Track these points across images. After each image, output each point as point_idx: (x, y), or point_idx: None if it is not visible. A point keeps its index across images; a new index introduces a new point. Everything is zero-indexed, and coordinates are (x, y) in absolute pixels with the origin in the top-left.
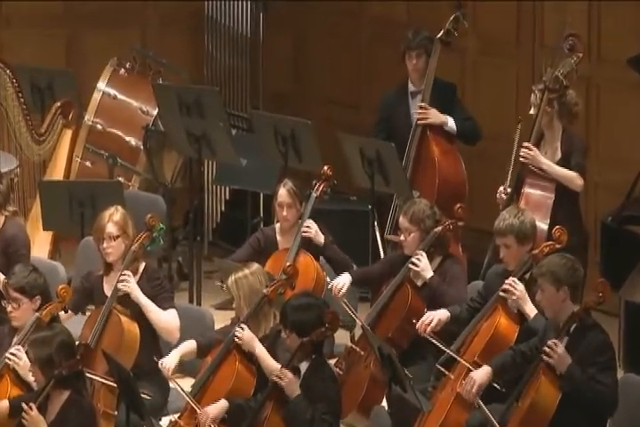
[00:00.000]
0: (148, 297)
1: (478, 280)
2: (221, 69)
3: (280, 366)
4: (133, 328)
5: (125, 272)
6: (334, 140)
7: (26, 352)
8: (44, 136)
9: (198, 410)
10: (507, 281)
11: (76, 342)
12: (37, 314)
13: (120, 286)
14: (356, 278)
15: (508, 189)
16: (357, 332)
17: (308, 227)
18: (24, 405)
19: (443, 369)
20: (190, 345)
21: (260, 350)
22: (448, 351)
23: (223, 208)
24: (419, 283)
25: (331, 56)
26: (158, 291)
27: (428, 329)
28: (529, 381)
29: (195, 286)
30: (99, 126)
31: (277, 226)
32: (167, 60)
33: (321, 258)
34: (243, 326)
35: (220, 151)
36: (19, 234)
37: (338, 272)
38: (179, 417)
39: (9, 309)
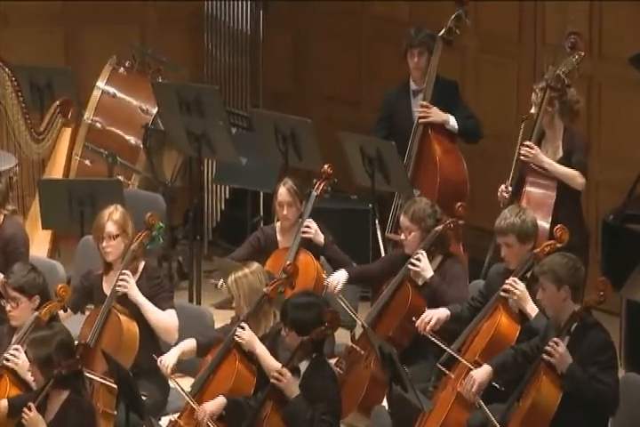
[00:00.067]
0: (148, 296)
1: (479, 279)
2: (221, 68)
3: (280, 365)
4: (133, 327)
5: (124, 272)
6: (334, 139)
7: (25, 352)
8: (44, 135)
9: (197, 408)
10: (507, 281)
11: (76, 342)
12: (36, 313)
13: (118, 287)
14: (356, 276)
15: (510, 188)
16: (358, 331)
17: (307, 227)
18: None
19: (443, 369)
20: (190, 344)
21: (261, 350)
22: (448, 350)
23: (223, 207)
24: (419, 282)
25: (331, 54)
26: (157, 291)
27: (428, 328)
28: (530, 380)
29: (195, 286)
30: (98, 125)
31: (277, 225)
32: (167, 59)
33: (321, 257)
34: (243, 325)
35: (219, 150)
36: (18, 233)
37: None
38: (178, 417)
39: (8, 308)
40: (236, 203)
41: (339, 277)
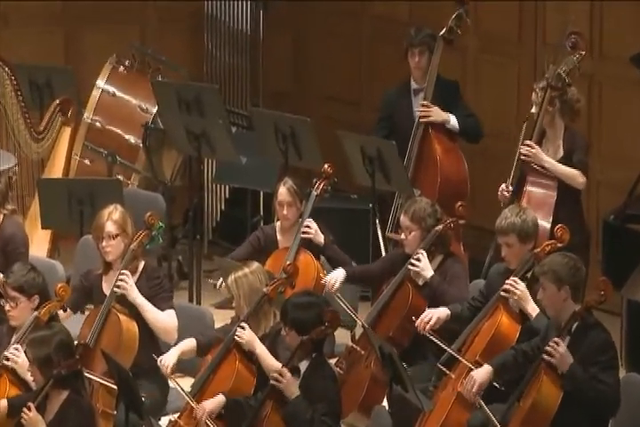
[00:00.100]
0: (147, 297)
1: (480, 279)
2: (221, 67)
3: (281, 365)
4: (132, 327)
5: (123, 272)
6: (335, 139)
7: (24, 352)
8: (43, 134)
9: (195, 406)
10: (508, 280)
11: (75, 342)
12: (36, 313)
13: (117, 287)
14: (356, 276)
15: (511, 188)
16: (358, 331)
17: (307, 227)
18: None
19: (444, 369)
20: (190, 343)
21: (261, 350)
22: (448, 350)
23: (223, 207)
24: (420, 282)
25: (331, 54)
26: (157, 291)
27: (427, 327)
28: (530, 380)
29: (194, 285)
30: (98, 124)
31: (277, 224)
32: (166, 58)
33: (322, 257)
34: (243, 325)
35: (219, 149)
36: (17, 232)
37: None
38: (178, 417)
39: (7, 308)
40: (235, 202)
41: (336, 276)
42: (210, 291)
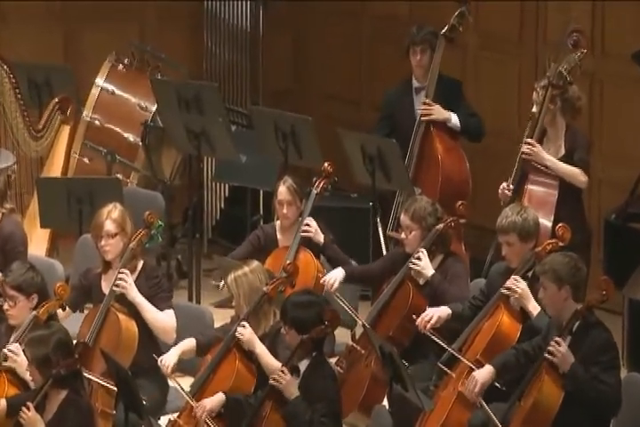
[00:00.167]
0: (146, 296)
1: (481, 278)
2: (221, 65)
3: (280, 364)
4: (131, 326)
5: (123, 271)
6: (335, 137)
7: (23, 351)
8: (42, 132)
9: (194, 404)
10: (509, 279)
11: (74, 341)
12: (35, 312)
13: (116, 286)
14: (357, 276)
15: (511, 186)
16: (358, 330)
17: (307, 226)
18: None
19: (444, 368)
20: (190, 343)
21: (261, 349)
22: (449, 350)
23: (223, 205)
24: (420, 281)
25: (331, 53)
26: (156, 290)
27: (428, 326)
28: (532, 380)
29: (194, 284)
30: (97, 122)
31: (277, 223)
32: (166, 56)
33: (322, 256)
34: (244, 323)
35: (219, 148)
36: (16, 231)
37: None
38: (178, 416)
39: (5, 307)
40: (235, 201)
41: (335, 276)
42: (209, 290)
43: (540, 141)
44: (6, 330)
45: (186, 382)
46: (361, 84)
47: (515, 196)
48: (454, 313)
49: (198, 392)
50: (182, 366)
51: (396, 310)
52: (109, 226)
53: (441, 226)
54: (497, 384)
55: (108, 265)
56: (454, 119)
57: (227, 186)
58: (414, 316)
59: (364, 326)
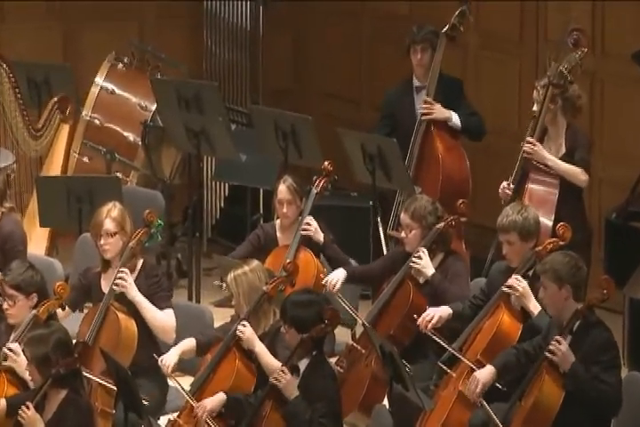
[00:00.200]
0: (145, 295)
1: (481, 277)
2: (221, 64)
3: (280, 364)
4: (131, 325)
5: (123, 270)
6: (335, 136)
7: (22, 351)
8: (41, 131)
9: (194, 404)
10: (510, 278)
11: (74, 340)
12: (34, 311)
13: (116, 285)
14: (357, 276)
15: (512, 185)
16: (358, 330)
17: (307, 224)
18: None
19: (445, 367)
20: (190, 343)
21: (260, 348)
22: (449, 349)
23: (222, 204)
24: (421, 280)
25: (331, 51)
26: (155, 289)
27: (429, 326)
28: (532, 379)
29: (194, 284)
30: (96, 121)
31: (277, 223)
32: (166, 55)
33: (321, 255)
34: (244, 322)
35: (219, 147)
36: (15, 230)
37: None
38: (178, 416)
39: (5, 306)
40: (235, 200)
41: (337, 276)
42: (209, 289)
43: (541, 140)
44: (6, 329)
45: (186, 382)
46: (361, 84)
47: (515, 195)
48: (455, 312)
49: (198, 392)
50: (182, 366)
51: (396, 309)
52: (109, 225)
53: (441, 225)
54: (498, 385)
55: (107, 264)
56: (455, 118)
57: (226, 185)
58: (415, 316)
59: (364, 325)
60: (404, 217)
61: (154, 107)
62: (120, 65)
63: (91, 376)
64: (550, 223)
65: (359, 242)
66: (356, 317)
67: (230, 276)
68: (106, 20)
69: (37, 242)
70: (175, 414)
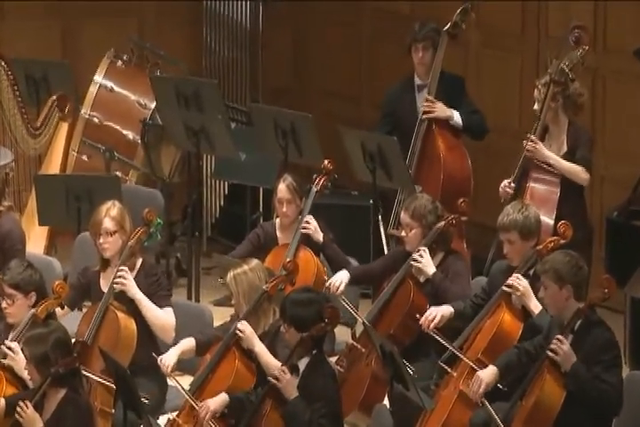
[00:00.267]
0: (145, 294)
1: (482, 276)
2: (220, 62)
3: (280, 363)
4: (130, 325)
5: (122, 268)
6: (334, 134)
7: (21, 350)
8: (40, 130)
9: (196, 405)
10: (511, 277)
11: (73, 340)
12: (33, 311)
13: (116, 284)
14: (358, 277)
15: (513, 184)
16: (359, 329)
17: (307, 223)
18: (20, 403)
19: (445, 367)
20: (189, 343)
21: (260, 348)
22: (451, 348)
23: (222, 203)
24: (421, 279)
25: (331, 49)
26: (155, 288)
27: (432, 325)
28: (533, 379)
29: (193, 283)
30: (95, 120)
31: (277, 221)
32: (165, 52)
33: (321, 255)
34: (244, 321)
35: (218, 145)
36: (14, 229)
37: (336, 272)
38: (177, 415)
39: (3, 305)
40: (235, 199)
41: (340, 278)
42: (209, 288)
43: (542, 139)
44: (4, 328)
45: (185, 381)
46: (361, 82)
47: (516, 193)
48: (456, 311)
49: (198, 391)
50: (181, 365)
51: (397, 308)
52: (108, 224)
53: (442, 224)
54: (499, 385)
55: (106, 263)
56: (456, 117)
57: (226, 184)
58: (417, 315)
59: (364, 324)
60: (404, 216)
61: (153, 104)
62: (119, 62)
63: (90, 375)
64: (551, 222)
65: (359, 241)
66: (356, 316)
67: (230, 275)
68: (105, 18)
69: (36, 241)
70: (174, 414)
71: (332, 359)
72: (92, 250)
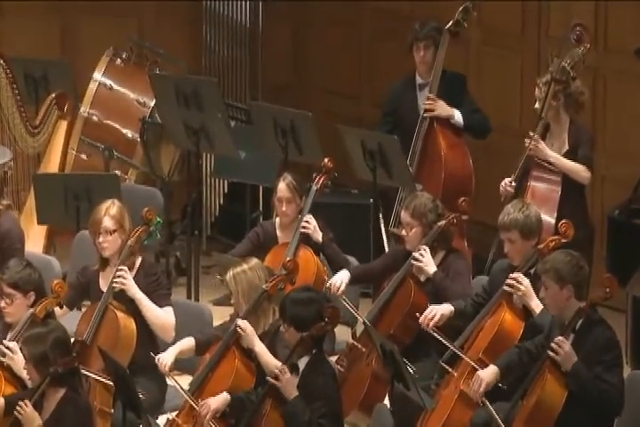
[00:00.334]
0: (144, 293)
1: (483, 275)
2: (220, 60)
3: (279, 363)
4: (130, 324)
5: (122, 267)
6: (334, 133)
7: (20, 349)
8: (39, 128)
9: (195, 405)
10: (511, 276)
11: (72, 339)
12: (32, 310)
13: (115, 283)
14: (358, 276)
15: (514, 183)
16: (359, 328)
17: (307, 222)
18: (20, 402)
19: (446, 366)
20: (188, 343)
21: (259, 347)
22: (451, 347)
23: (222, 202)
24: (422, 278)
25: (331, 47)
26: (155, 288)
27: (431, 324)
28: (535, 378)
29: (193, 282)
30: (94, 118)
31: (277, 220)
32: (164, 51)
33: (321, 255)
34: (244, 320)
35: (218, 143)
36: (13, 228)
37: (335, 272)
38: (176, 415)
39: (2, 304)
40: (234, 197)
41: (341, 278)
42: (208, 287)
43: (543, 137)
44: (3, 328)
45: (184, 381)
46: (361, 80)
47: (517, 192)
48: (457, 310)
49: (197, 391)
50: (181, 365)
51: (397, 307)
52: (108, 223)
53: (443, 222)
54: (499, 384)
55: (105, 262)
56: (457, 116)
57: (226, 182)
58: (417, 314)
59: (365, 323)
60: (404, 215)
61: (152, 103)
62: (118, 60)
63: (89, 373)
64: (552, 221)
65: (360, 240)
66: (356, 315)
67: (229, 274)
68: (104, 16)
69: (35, 240)
70: (174, 414)
71: (333, 359)
72: (91, 249)
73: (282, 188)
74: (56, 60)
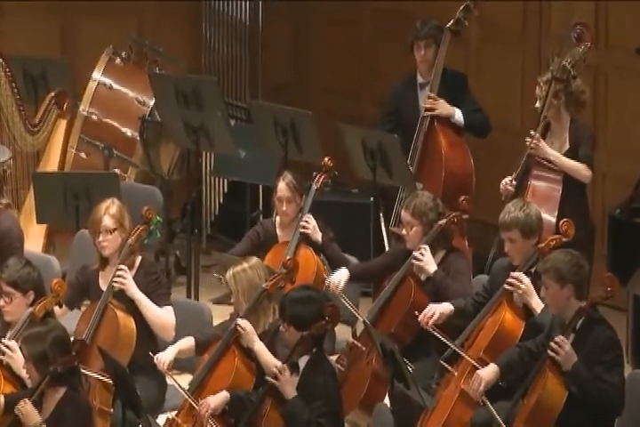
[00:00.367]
0: (144, 292)
1: (483, 274)
2: (220, 59)
3: (279, 362)
4: (130, 323)
5: (121, 267)
6: (335, 131)
7: (20, 348)
8: (38, 127)
9: (194, 403)
10: (512, 274)
11: (71, 338)
12: (31, 309)
13: (115, 282)
14: (358, 275)
15: (514, 182)
16: (359, 327)
17: (306, 222)
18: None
19: (447, 365)
20: (188, 342)
21: (259, 346)
22: (451, 345)
23: (221, 201)
24: (422, 277)
25: (331, 47)
26: (154, 287)
27: (430, 322)
28: (535, 377)
29: (192, 281)
30: (94, 117)
31: (277, 219)
32: (164, 50)
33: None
34: (244, 319)
35: (218, 142)
36: (12, 227)
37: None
38: (176, 415)
39: (1, 303)
40: (234, 196)
41: (340, 277)
42: (208, 286)
43: (544, 136)
44: (2, 326)
45: (184, 380)
46: (361, 78)
47: (517, 191)
48: (457, 309)
49: (197, 390)
50: (180, 364)
51: (397, 306)
52: (107, 221)
53: (443, 221)
54: (499, 383)
55: (105, 261)
56: (458, 115)
57: (225, 181)
58: (416, 312)
59: (365, 323)
60: (404, 214)
61: (152, 102)
62: (118, 59)
63: (88, 372)
64: (553, 220)
65: (360, 239)
66: (356, 314)
67: (229, 273)
68: (104, 15)
69: (34, 239)
70: (174, 413)
71: (333, 358)
72: (90, 248)
73: (282, 187)
74: (56, 59)
